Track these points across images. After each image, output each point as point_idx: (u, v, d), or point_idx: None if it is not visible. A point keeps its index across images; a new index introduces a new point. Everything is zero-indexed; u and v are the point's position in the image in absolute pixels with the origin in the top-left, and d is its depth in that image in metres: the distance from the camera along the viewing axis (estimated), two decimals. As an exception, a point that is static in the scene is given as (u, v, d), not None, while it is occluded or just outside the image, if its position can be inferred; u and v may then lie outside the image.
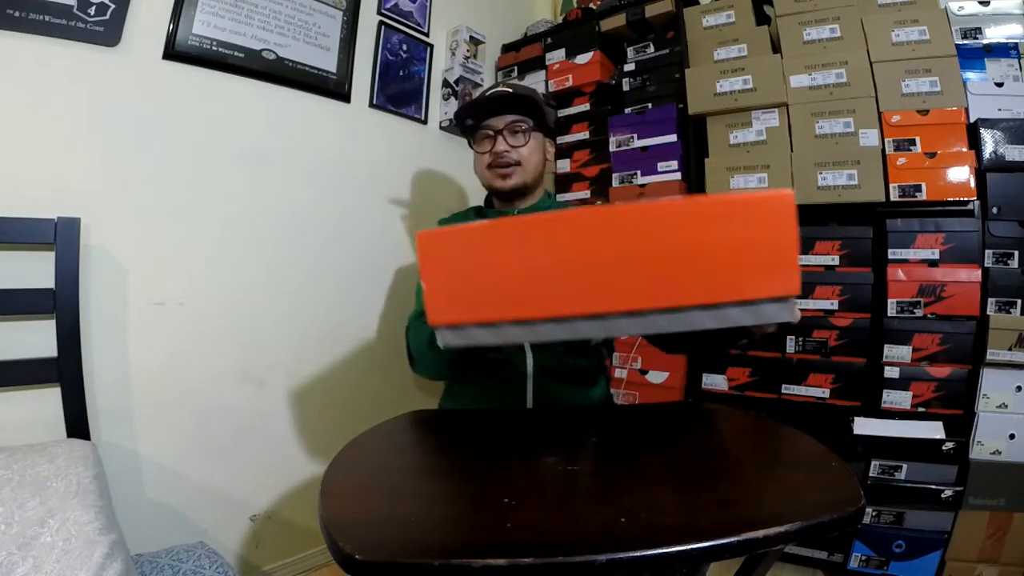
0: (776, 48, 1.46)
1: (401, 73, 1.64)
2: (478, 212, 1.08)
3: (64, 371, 0.96)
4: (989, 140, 1.22)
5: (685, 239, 0.45)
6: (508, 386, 0.91)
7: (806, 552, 1.38)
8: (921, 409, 1.24)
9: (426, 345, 0.84)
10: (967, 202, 1.24)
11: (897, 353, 1.26)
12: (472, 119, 1.00)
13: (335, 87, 1.46)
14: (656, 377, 1.51)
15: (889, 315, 1.27)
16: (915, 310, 1.25)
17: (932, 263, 1.26)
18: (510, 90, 0.99)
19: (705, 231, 0.45)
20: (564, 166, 1.82)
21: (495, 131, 0.97)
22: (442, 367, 0.89)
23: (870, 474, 1.27)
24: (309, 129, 1.42)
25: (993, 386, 1.19)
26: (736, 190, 1.41)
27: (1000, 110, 1.25)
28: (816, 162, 1.32)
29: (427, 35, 1.71)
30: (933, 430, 1.22)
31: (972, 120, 1.25)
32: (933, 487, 1.23)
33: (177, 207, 1.18)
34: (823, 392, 1.33)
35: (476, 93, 1.80)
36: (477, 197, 1.84)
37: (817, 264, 1.36)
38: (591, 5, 1.92)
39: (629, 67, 1.70)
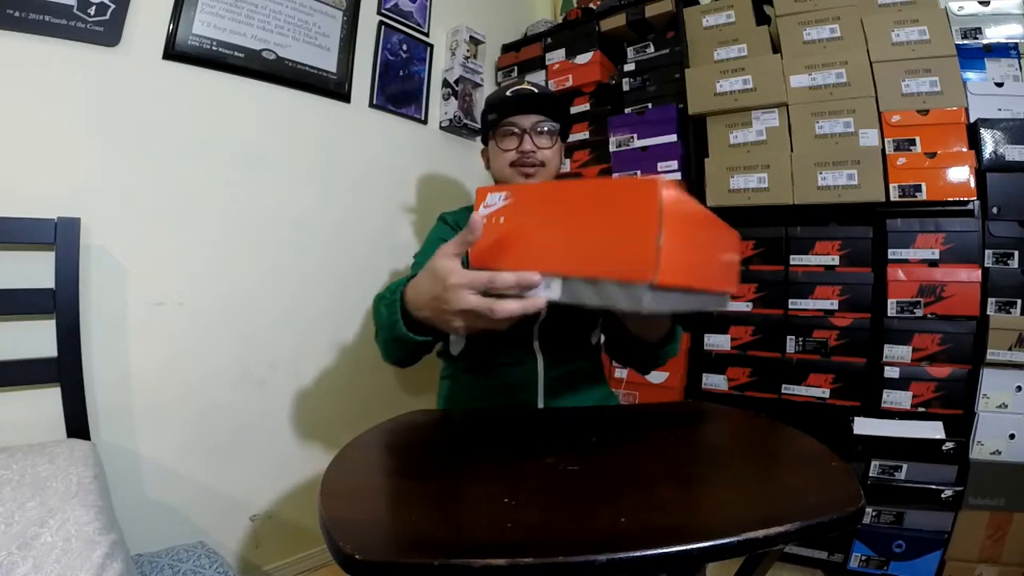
0: (776, 48, 1.46)
1: (401, 73, 1.64)
2: None
3: (64, 371, 0.96)
4: (989, 140, 1.22)
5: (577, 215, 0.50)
6: (519, 388, 0.91)
7: (806, 552, 1.38)
8: (921, 409, 1.24)
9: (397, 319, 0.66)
10: (967, 202, 1.24)
11: (897, 353, 1.26)
12: (495, 114, 0.98)
13: (335, 87, 1.46)
14: (656, 377, 1.51)
15: (889, 315, 1.27)
16: (915, 310, 1.25)
17: (932, 263, 1.26)
18: (535, 89, 0.97)
19: (588, 209, 0.50)
20: (564, 166, 1.82)
21: (521, 129, 0.96)
22: (391, 343, 0.71)
23: (870, 474, 1.27)
24: (309, 129, 1.42)
25: (993, 386, 1.19)
26: (736, 190, 1.41)
27: (1000, 110, 1.25)
28: (816, 162, 1.32)
29: (427, 35, 1.71)
30: (933, 430, 1.22)
31: (972, 120, 1.25)
32: (933, 487, 1.22)
33: (177, 207, 1.18)
34: (823, 392, 1.33)
35: (477, 93, 1.80)
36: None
37: (817, 264, 1.36)
38: (591, 5, 1.92)
39: (629, 67, 1.70)
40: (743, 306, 1.43)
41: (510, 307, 0.50)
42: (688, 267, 0.49)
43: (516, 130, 0.97)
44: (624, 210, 0.46)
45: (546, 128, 0.97)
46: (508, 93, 0.97)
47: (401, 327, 0.64)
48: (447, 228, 1.01)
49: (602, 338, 1.01)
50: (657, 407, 0.99)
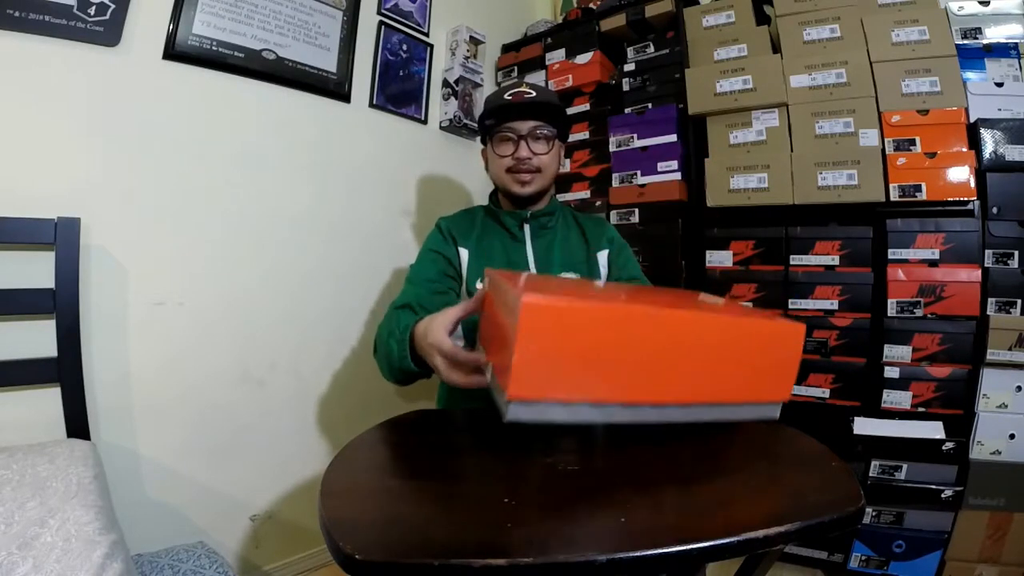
0: (776, 48, 1.46)
1: (401, 73, 1.64)
2: (487, 212, 1.07)
3: (64, 371, 0.96)
4: (989, 140, 1.22)
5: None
6: None
7: (806, 552, 1.38)
8: (921, 409, 1.24)
9: (395, 341, 0.79)
10: (967, 202, 1.23)
11: (897, 353, 1.26)
12: (493, 119, 0.98)
13: (335, 87, 1.46)
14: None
15: (889, 315, 1.27)
16: (915, 310, 1.25)
17: (932, 263, 1.26)
18: (533, 93, 0.96)
19: (502, 310, 0.52)
20: (564, 166, 1.82)
21: (518, 135, 0.96)
22: (397, 371, 0.81)
23: (870, 474, 1.27)
24: (309, 129, 1.42)
25: (993, 386, 1.19)
26: (736, 190, 1.41)
27: (1000, 110, 1.25)
28: (816, 162, 1.32)
29: (427, 35, 1.71)
30: (933, 430, 1.22)
31: (972, 120, 1.25)
32: (933, 487, 1.22)
33: (177, 207, 1.18)
34: (823, 392, 1.33)
35: (477, 93, 1.80)
36: (478, 196, 1.85)
37: (817, 264, 1.36)
38: (591, 5, 1.92)
39: (629, 67, 1.70)
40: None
41: (454, 379, 0.63)
42: (575, 383, 0.47)
43: (513, 136, 0.96)
44: (512, 318, 0.46)
45: (543, 133, 0.96)
46: (506, 97, 0.96)
47: (409, 362, 0.75)
48: (440, 238, 1.01)
49: None
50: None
